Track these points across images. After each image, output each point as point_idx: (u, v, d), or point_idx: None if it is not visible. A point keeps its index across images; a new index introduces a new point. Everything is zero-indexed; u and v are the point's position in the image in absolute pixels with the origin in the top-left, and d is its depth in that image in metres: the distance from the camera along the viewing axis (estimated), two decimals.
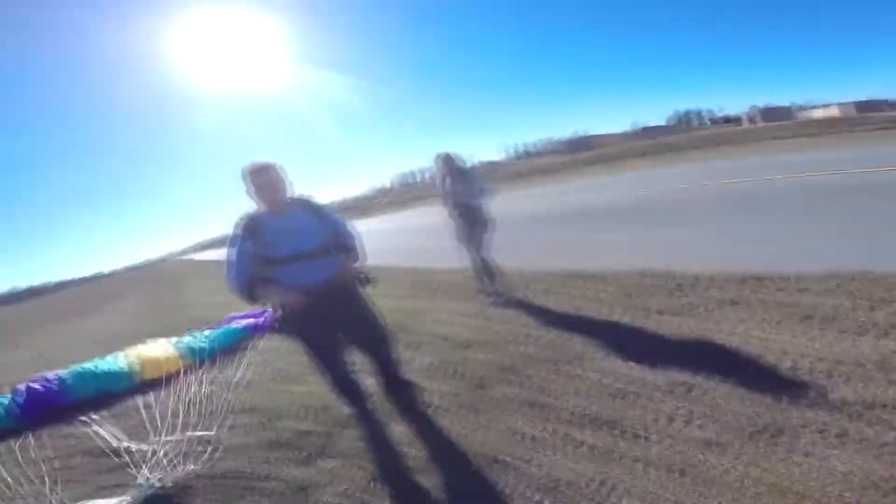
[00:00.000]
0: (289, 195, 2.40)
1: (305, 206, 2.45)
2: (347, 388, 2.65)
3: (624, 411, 2.47)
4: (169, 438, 2.88)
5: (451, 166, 4.62)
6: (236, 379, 3.95)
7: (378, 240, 14.52)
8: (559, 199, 13.36)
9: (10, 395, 4.30)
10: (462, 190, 4.54)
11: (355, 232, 2.63)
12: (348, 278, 2.46)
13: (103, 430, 3.45)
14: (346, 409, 2.81)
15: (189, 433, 3.01)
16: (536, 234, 8.22)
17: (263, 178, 2.29)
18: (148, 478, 2.56)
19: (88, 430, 3.58)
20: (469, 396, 2.97)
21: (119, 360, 4.75)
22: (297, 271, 2.31)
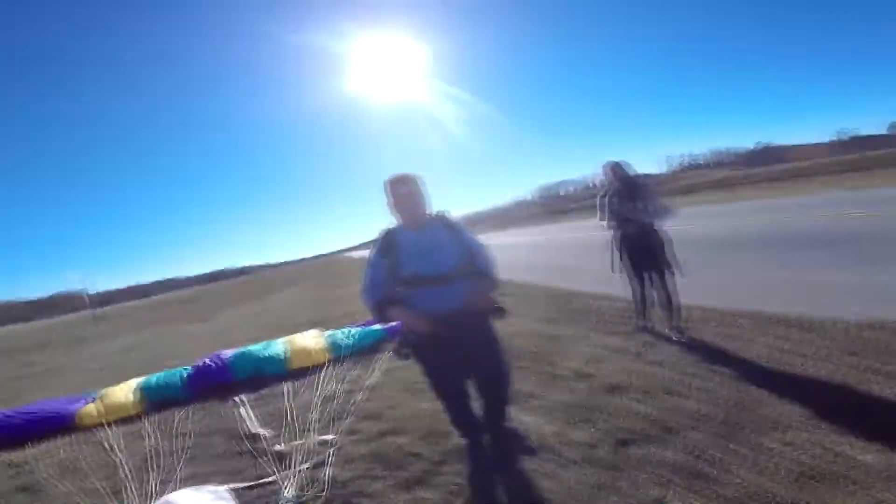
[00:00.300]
0: (428, 210, 2.29)
1: (443, 223, 2.30)
2: (464, 420, 2.49)
3: (823, 498, 1.87)
4: (300, 442, 2.95)
5: (623, 178, 3.95)
6: (368, 382, 3.97)
7: (517, 254, 14.17)
8: (743, 220, 11.34)
9: (190, 367, 5.01)
10: (634, 207, 3.86)
11: (492, 256, 2.41)
12: (481, 307, 2.26)
13: (247, 414, 3.75)
14: (461, 440, 2.62)
15: (317, 437, 3.05)
16: (719, 263, 6.78)
17: (403, 190, 2.21)
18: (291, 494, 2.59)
19: (236, 410, 3.94)
20: (607, 451, 2.45)
21: (277, 346, 5.17)
22: (428, 295, 2.19)
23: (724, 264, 6.49)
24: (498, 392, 2.47)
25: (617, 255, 4.10)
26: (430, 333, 2.13)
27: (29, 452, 3.76)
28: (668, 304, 3.91)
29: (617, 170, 3.95)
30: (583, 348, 3.97)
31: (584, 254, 9.98)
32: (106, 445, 3.57)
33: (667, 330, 3.95)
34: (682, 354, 3.51)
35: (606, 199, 4.04)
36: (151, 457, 3.21)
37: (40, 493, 3.10)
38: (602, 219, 4.13)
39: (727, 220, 11.86)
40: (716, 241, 8.72)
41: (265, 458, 2.91)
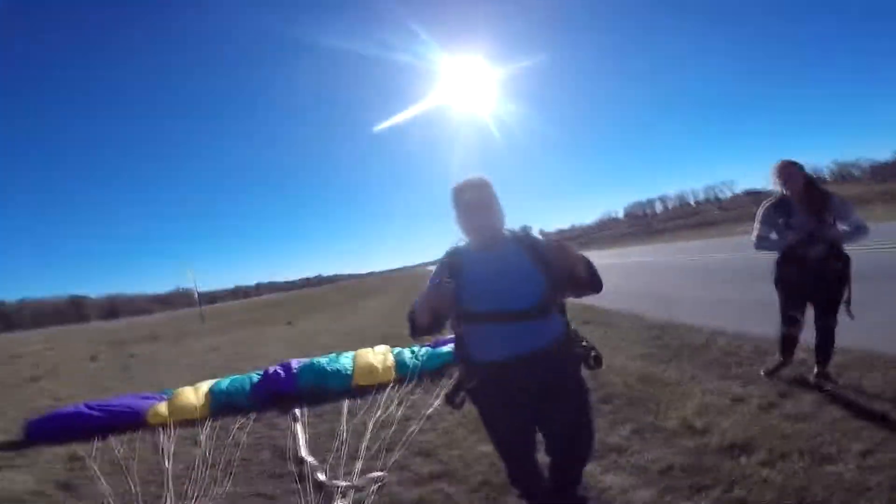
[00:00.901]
0: (504, 226, 1.81)
1: (523, 243, 1.78)
2: (527, 481, 1.99)
3: None
4: (343, 483, 2.62)
5: (807, 183, 2.93)
6: (428, 412, 3.57)
7: (608, 278, 13.06)
8: (889, 245, 9.35)
9: (259, 373, 4.94)
10: (824, 222, 2.86)
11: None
12: (572, 345, 1.76)
13: (299, 432, 3.51)
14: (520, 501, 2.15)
15: (361, 474, 2.71)
16: (871, 296, 5.38)
17: (472, 200, 1.73)
18: None
19: (291, 425, 3.74)
20: None
21: (343, 360, 4.97)
22: (498, 333, 1.69)
23: (878, 298, 5.18)
24: (575, 458, 1.93)
25: (788, 290, 3.10)
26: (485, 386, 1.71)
27: (95, 446, 3.81)
28: (824, 344, 3.01)
29: (796, 172, 2.92)
30: (694, 394, 3.18)
31: (689, 280, 8.86)
32: (161, 448, 3.53)
33: (812, 377, 3.07)
34: (833, 407, 2.68)
35: (773, 210, 3.04)
36: (193, 467, 3.11)
37: (78, 491, 3.07)
38: (760, 234, 3.14)
39: (867, 245, 9.83)
40: (860, 270, 7.07)
41: (304, 486, 2.66)
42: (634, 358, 4.19)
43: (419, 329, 1.72)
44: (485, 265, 1.72)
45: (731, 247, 14.64)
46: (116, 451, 3.63)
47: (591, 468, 2.34)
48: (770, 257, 3.18)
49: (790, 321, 3.11)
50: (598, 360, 1.76)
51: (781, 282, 3.10)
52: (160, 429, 4.00)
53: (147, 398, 4.73)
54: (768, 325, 3.49)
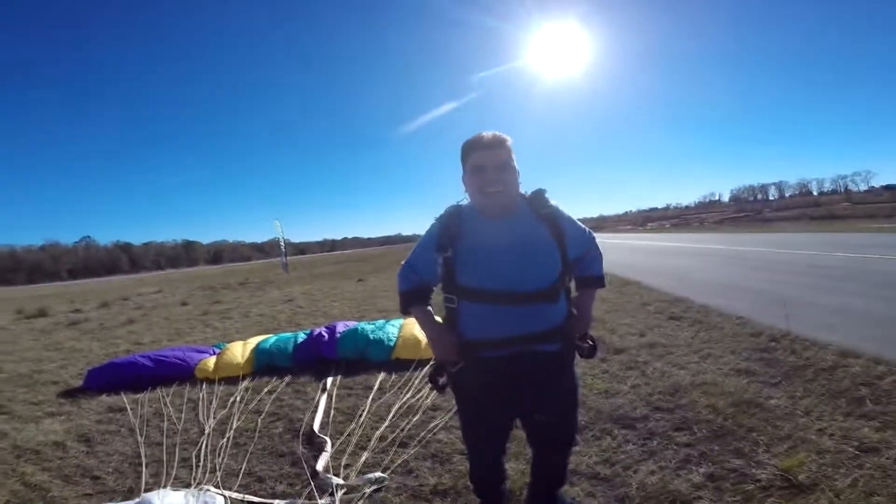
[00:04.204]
0: (518, 192, 1.58)
1: (538, 211, 1.56)
2: (490, 487, 1.85)
3: None
4: (339, 481, 2.26)
5: None
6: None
7: (708, 267, 11.64)
8: None
9: (305, 333, 4.82)
10: None
11: (601, 254, 1.74)
12: (573, 336, 1.60)
13: (322, 406, 3.26)
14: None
15: (364, 474, 2.31)
16: None
17: (486, 159, 1.50)
18: None
19: (318, 396, 3.52)
20: None
21: (388, 329, 4.70)
22: (499, 314, 1.49)
23: None
24: (558, 448, 1.79)
25: None
26: (465, 366, 1.53)
27: (140, 397, 3.86)
28: None
29: None
30: (806, 434, 2.35)
31: (814, 280, 7.45)
32: (201, 402, 3.51)
33: None
34: None
35: None
36: (208, 434, 2.98)
37: (94, 447, 3.01)
38: None
39: None
40: None
41: (301, 469, 2.42)
42: (730, 373, 3.26)
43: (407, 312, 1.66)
44: (493, 236, 1.49)
45: (873, 245, 12.11)
46: (150, 406, 3.65)
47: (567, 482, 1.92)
48: None
49: None
50: (593, 348, 1.66)
51: None
52: (204, 384, 4.05)
53: (201, 352, 4.77)
54: None
